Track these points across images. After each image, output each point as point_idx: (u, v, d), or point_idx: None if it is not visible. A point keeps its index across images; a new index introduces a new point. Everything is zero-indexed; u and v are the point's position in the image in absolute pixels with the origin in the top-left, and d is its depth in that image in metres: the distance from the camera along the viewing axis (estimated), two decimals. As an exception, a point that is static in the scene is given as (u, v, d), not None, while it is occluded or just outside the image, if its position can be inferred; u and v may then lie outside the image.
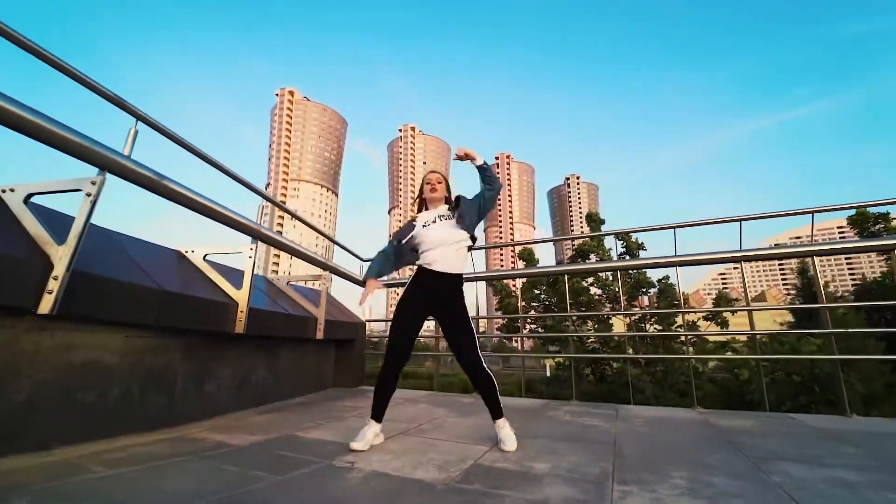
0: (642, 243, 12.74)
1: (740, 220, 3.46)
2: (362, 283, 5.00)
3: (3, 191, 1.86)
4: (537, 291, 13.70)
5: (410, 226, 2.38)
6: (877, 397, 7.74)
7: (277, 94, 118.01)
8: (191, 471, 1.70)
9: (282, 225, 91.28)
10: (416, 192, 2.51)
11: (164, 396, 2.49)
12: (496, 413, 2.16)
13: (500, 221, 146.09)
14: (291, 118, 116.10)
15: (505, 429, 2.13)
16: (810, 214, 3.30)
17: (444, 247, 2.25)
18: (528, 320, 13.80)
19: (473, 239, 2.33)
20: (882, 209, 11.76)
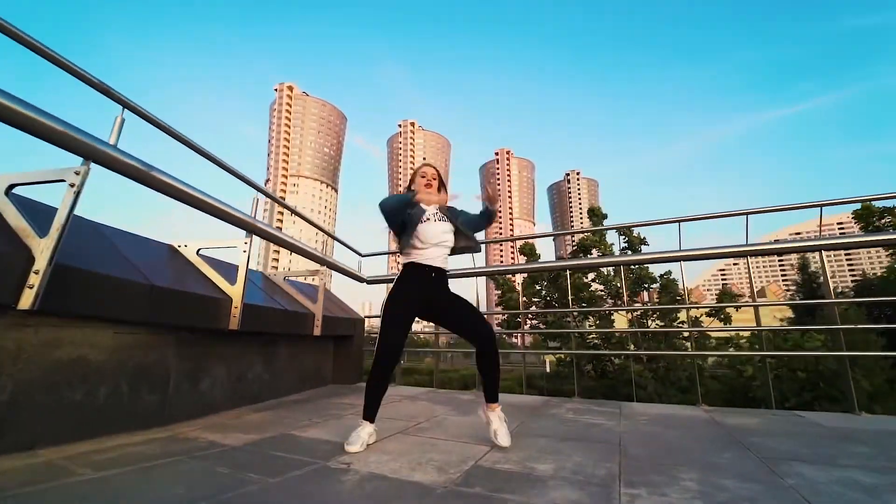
0: (644, 238, 12.63)
1: (747, 214, 3.38)
2: (361, 279, 4.96)
3: (-16, 182, 1.78)
4: (538, 287, 13.63)
5: (420, 209, 2.26)
6: (879, 393, 7.70)
7: (276, 90, 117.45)
8: (181, 472, 1.63)
9: (281, 221, 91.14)
10: (408, 180, 2.42)
11: (156, 394, 2.43)
12: (494, 395, 2.13)
13: (500, 217, 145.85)
14: (290, 113, 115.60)
15: (499, 420, 2.10)
16: (818, 208, 3.22)
17: (441, 247, 2.23)
18: (529, 316, 13.73)
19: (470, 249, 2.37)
20: (889, 203, 11.66)
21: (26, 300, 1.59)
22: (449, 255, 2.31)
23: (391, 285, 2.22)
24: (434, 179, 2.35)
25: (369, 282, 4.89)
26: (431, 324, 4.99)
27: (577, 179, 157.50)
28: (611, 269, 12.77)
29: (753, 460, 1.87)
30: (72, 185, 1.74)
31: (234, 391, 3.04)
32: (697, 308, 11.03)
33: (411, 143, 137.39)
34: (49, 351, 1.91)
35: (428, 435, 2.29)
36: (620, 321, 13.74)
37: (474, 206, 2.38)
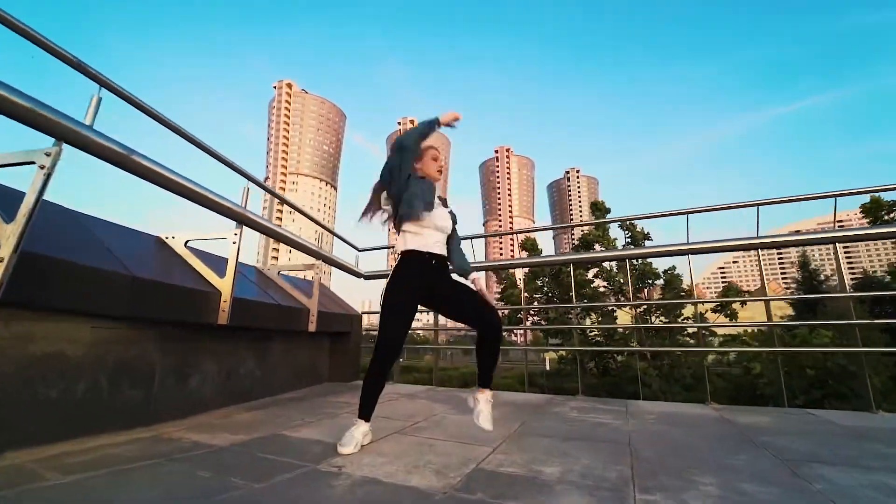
0: (648, 233, 12.47)
1: (757, 205, 3.25)
2: (359, 274, 4.83)
3: (-52, 164, 1.66)
4: (539, 283, 13.50)
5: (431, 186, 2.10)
6: (886, 391, 7.59)
7: (275, 87, 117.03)
8: (159, 476, 1.51)
9: (280, 218, 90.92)
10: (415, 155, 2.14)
11: (139, 392, 2.30)
12: (487, 380, 2.05)
13: (500, 215, 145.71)
14: (290, 111, 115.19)
15: (485, 402, 2.03)
16: (832, 198, 3.10)
17: (441, 232, 2.10)
18: (531, 312, 13.59)
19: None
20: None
21: (-11, 291, 1.47)
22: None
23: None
24: (443, 168, 2.22)
25: (367, 277, 4.77)
26: (431, 321, 4.89)
27: (577, 177, 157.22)
28: (613, 265, 12.62)
29: (772, 462, 1.76)
30: (42, 168, 1.61)
31: (224, 388, 2.92)
32: (705, 303, 10.89)
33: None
34: (21, 345, 1.78)
35: (426, 435, 2.18)
36: (623, 318, 13.62)
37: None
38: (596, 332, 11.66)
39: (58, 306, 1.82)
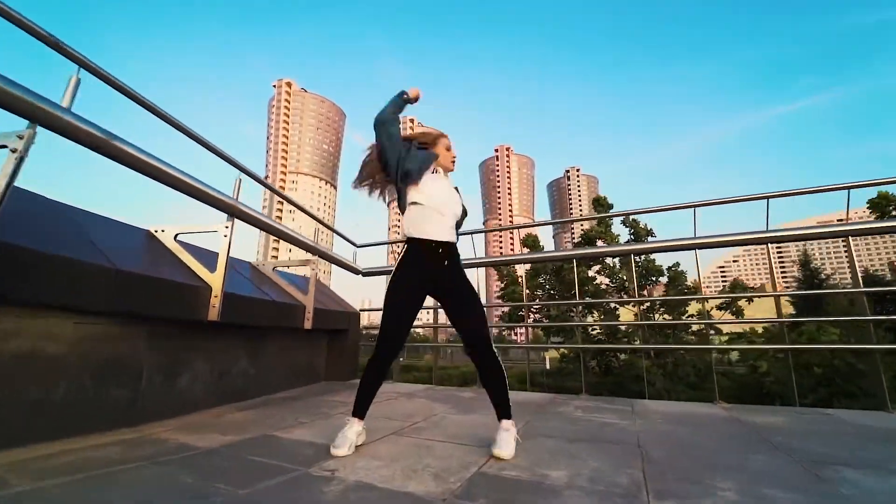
0: (651, 230, 12.32)
1: (767, 198, 3.15)
2: (356, 271, 4.73)
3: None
4: (541, 280, 13.37)
5: (428, 160, 2.00)
6: (890, 388, 7.47)
7: (275, 86, 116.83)
8: (136, 482, 1.41)
9: (280, 215, 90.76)
10: (426, 141, 2.07)
11: (125, 391, 2.20)
12: (505, 411, 1.82)
13: (500, 214, 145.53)
14: (289, 110, 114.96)
15: (509, 432, 1.78)
16: (845, 190, 3.00)
17: (448, 216, 1.93)
18: (532, 310, 13.45)
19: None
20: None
21: (-45, 283, 1.37)
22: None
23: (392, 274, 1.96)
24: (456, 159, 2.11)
25: (365, 273, 4.66)
26: (430, 320, 4.79)
27: (577, 176, 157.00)
28: (616, 261, 12.47)
29: (791, 464, 1.66)
30: (13, 151, 1.51)
31: (216, 388, 2.82)
32: (712, 299, 10.76)
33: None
34: (-2, 343, 1.69)
35: (425, 436, 2.07)
36: (625, 315, 13.48)
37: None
38: (598, 331, 11.53)
39: (34, 300, 1.72)
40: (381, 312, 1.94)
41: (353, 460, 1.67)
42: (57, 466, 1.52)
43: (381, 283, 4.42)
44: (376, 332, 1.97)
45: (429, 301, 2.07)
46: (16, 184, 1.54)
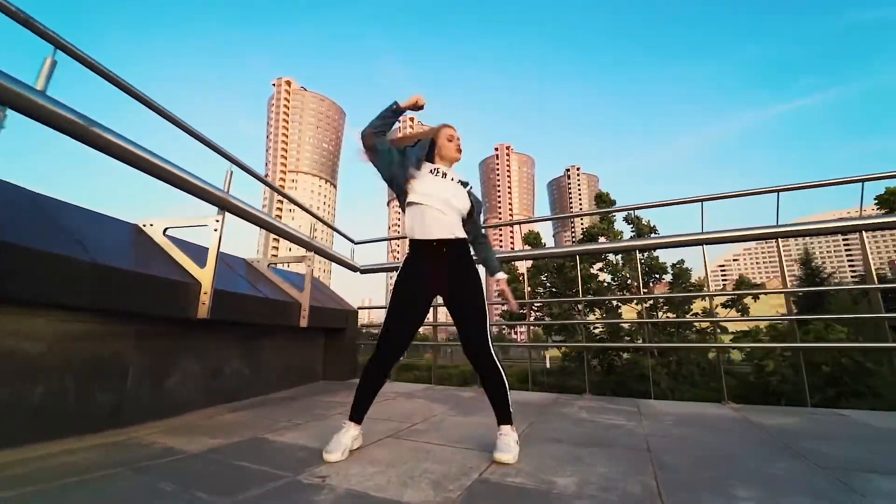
0: (655, 226, 12.16)
1: (777, 191, 3.05)
2: (354, 268, 4.63)
3: None
4: (543, 278, 13.23)
5: (427, 161, 1.92)
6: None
7: (274, 85, 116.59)
8: (110, 491, 1.31)
9: (280, 213, 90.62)
10: (428, 139, 1.97)
11: (110, 393, 2.10)
12: (504, 417, 1.73)
13: (500, 213, 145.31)
14: (289, 109, 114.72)
15: (508, 437, 1.69)
16: (859, 183, 2.89)
17: (450, 212, 1.82)
18: (533, 308, 13.31)
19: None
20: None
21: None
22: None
23: (395, 273, 1.90)
24: (460, 142, 1.98)
25: (363, 271, 4.56)
26: (430, 318, 4.69)
27: (578, 175, 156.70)
28: (619, 258, 12.33)
29: (814, 471, 1.55)
30: (-20, 135, 1.40)
31: (208, 388, 2.72)
32: (719, 296, 10.59)
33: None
34: (-34, 341, 1.59)
35: (423, 439, 1.97)
36: (627, 313, 13.33)
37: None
38: (600, 329, 11.40)
39: (8, 296, 1.62)
40: (381, 311, 1.87)
41: (347, 466, 1.57)
42: (28, 473, 1.42)
43: (381, 280, 4.32)
44: (376, 330, 1.89)
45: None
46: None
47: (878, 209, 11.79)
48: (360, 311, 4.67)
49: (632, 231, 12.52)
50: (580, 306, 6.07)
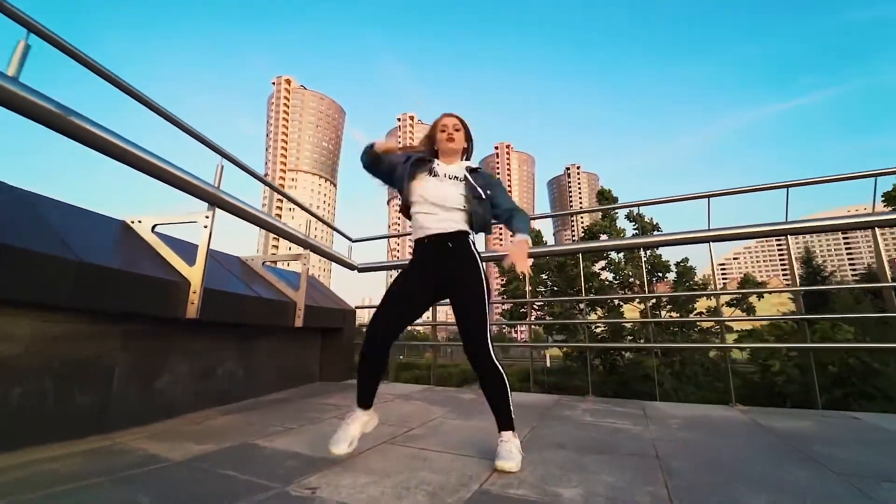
0: (658, 224, 12.00)
1: (787, 186, 2.95)
2: (352, 266, 4.54)
3: None
4: (544, 276, 13.10)
5: (426, 161, 1.85)
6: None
7: (274, 83, 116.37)
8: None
9: (280, 212, 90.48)
10: (425, 136, 1.95)
11: (93, 396, 2.01)
12: (505, 423, 1.63)
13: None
14: (288, 107, 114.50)
15: (510, 443, 1.59)
16: (873, 178, 2.80)
17: (448, 210, 1.75)
18: (534, 307, 13.17)
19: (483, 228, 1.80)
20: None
21: None
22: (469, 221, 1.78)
23: (395, 272, 1.85)
24: (457, 130, 1.86)
25: (361, 269, 4.47)
26: (429, 317, 4.61)
27: (578, 174, 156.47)
28: (622, 257, 12.20)
29: (833, 479, 1.47)
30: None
31: (199, 390, 2.63)
32: (724, 295, 10.44)
33: (410, 138, 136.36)
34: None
35: (421, 445, 1.88)
36: (629, 313, 13.20)
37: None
38: (602, 328, 11.28)
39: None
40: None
41: (339, 475, 1.48)
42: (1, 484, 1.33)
43: (381, 279, 4.22)
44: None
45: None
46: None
47: (884, 205, 11.67)
48: (358, 310, 4.58)
49: (634, 229, 12.37)
50: (582, 305, 5.97)
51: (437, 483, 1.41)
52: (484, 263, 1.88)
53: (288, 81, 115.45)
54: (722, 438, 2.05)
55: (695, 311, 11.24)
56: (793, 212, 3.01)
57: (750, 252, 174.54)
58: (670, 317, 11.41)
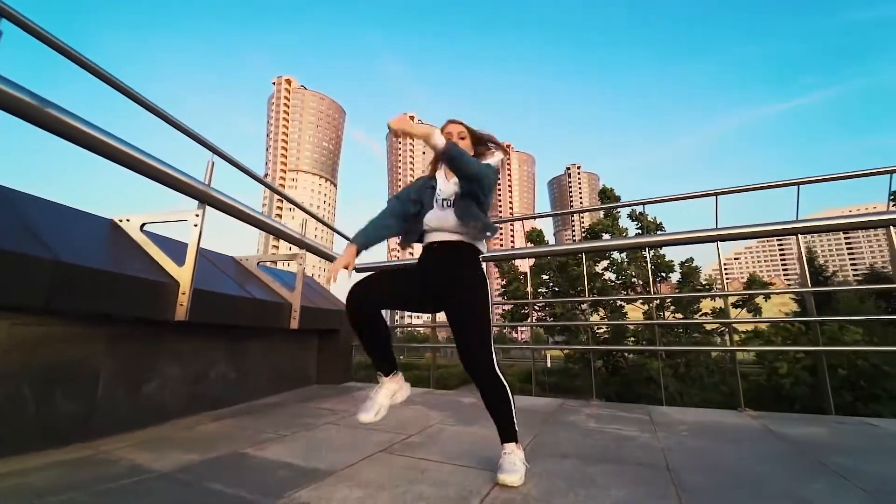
0: (661, 223, 11.86)
1: (798, 184, 2.86)
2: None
3: None
4: (545, 277, 12.97)
5: (427, 185, 1.75)
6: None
7: (274, 83, 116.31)
8: (56, 523, 1.13)
9: (280, 214, 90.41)
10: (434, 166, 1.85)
11: (77, 401, 1.93)
12: (508, 435, 1.53)
13: (500, 212, 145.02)
14: (289, 107, 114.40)
15: (513, 455, 1.49)
16: (887, 175, 2.71)
17: (446, 227, 1.65)
18: (535, 308, 13.02)
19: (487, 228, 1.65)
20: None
21: None
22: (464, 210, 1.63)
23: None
24: (461, 138, 1.71)
25: (359, 269, 4.37)
26: (429, 318, 4.52)
27: (579, 173, 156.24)
28: (624, 256, 12.06)
29: (856, 493, 1.38)
30: None
31: (190, 394, 2.54)
32: (735, 295, 10.26)
33: (411, 138, 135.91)
34: None
35: (419, 454, 1.80)
36: (632, 314, 13.06)
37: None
38: (604, 329, 11.14)
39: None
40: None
41: (332, 489, 1.39)
42: (-38, 502, 1.24)
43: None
44: None
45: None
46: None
47: (892, 204, 11.51)
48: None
49: (637, 228, 12.24)
50: (584, 306, 5.87)
51: (435, 497, 1.32)
52: (485, 265, 1.79)
53: (288, 81, 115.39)
54: (734, 447, 1.96)
55: (699, 312, 11.08)
56: (792, 211, 2.93)
57: (751, 252, 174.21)
58: (675, 318, 11.27)
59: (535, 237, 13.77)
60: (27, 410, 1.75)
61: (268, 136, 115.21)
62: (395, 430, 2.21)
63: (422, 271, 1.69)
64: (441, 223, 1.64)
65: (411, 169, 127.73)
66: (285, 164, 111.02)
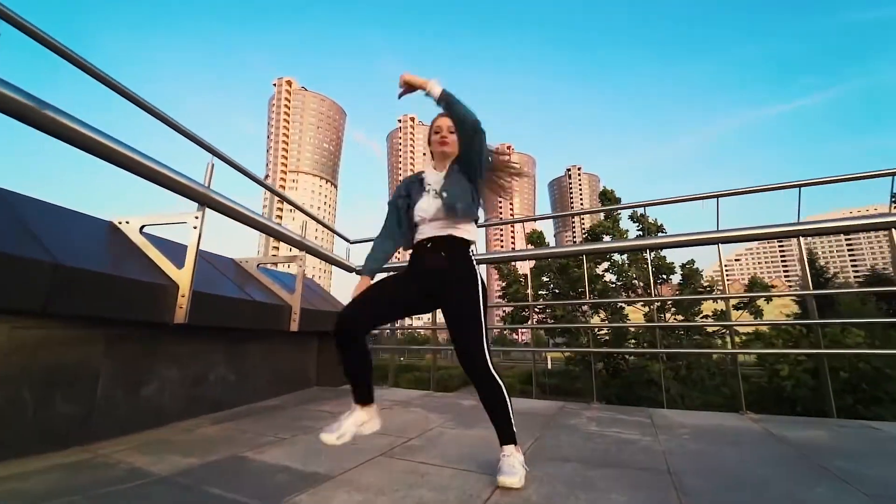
0: (662, 225, 11.84)
1: (799, 186, 2.85)
2: (350, 268, 4.45)
3: None
4: (545, 279, 12.94)
5: (415, 179, 1.78)
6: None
7: (275, 84, 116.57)
8: (54, 528, 1.13)
9: (280, 216, 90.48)
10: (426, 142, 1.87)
11: (76, 404, 1.92)
12: (506, 437, 1.52)
13: (500, 213, 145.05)
14: (289, 109, 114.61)
15: (513, 457, 1.48)
16: (889, 177, 2.70)
17: (438, 221, 1.64)
18: (535, 310, 12.97)
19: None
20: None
21: None
22: (464, 213, 1.63)
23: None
24: (451, 132, 1.70)
25: (359, 271, 4.36)
26: (429, 319, 4.51)
27: (579, 175, 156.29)
28: (625, 258, 12.03)
29: (859, 498, 1.36)
30: None
31: (189, 397, 2.54)
32: (737, 297, 10.23)
33: (411, 139, 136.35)
34: None
35: (419, 458, 1.78)
36: (632, 315, 13.03)
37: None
38: (605, 331, 11.10)
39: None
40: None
41: (331, 493, 1.38)
42: (-41, 506, 1.23)
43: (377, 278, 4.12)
44: (375, 332, 1.71)
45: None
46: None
47: (894, 206, 11.49)
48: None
49: (637, 230, 12.21)
50: (585, 307, 5.86)
51: (435, 501, 1.31)
52: (481, 266, 1.78)
53: (289, 83, 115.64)
54: (736, 451, 1.95)
55: (701, 315, 11.04)
56: (793, 213, 2.92)
57: (752, 253, 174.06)
58: (675, 320, 11.23)
59: (535, 239, 13.76)
60: (26, 414, 1.75)
61: (268, 137, 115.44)
62: (394, 433, 2.20)
63: (413, 273, 1.69)
64: (429, 209, 1.64)
65: (412, 169, 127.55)
66: (286, 166, 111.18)
